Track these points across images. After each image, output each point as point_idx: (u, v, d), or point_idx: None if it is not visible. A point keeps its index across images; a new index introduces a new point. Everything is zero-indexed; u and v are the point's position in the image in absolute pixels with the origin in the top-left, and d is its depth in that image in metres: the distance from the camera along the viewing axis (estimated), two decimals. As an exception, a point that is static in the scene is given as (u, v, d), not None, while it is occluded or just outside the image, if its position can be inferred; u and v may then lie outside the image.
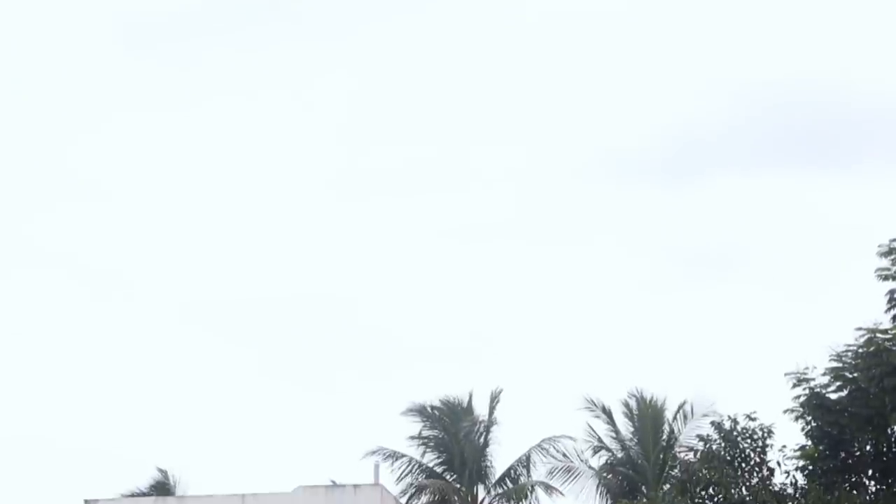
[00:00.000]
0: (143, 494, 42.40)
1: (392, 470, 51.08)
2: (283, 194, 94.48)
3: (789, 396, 26.94)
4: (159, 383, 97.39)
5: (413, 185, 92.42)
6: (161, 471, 46.62)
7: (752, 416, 28.58)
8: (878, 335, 25.57)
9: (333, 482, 38.60)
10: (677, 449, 41.41)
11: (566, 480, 51.01)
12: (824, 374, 26.05)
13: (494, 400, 52.26)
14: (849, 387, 25.89)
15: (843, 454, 26.95)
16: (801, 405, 26.29)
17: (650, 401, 49.79)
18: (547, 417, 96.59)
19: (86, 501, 34.80)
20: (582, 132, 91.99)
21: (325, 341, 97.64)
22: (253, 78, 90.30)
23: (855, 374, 25.77)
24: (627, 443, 50.00)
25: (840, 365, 25.83)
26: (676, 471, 30.41)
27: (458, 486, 51.85)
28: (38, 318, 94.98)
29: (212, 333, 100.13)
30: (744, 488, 27.83)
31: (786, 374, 26.28)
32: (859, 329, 25.72)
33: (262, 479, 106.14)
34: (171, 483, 45.70)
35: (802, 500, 26.84)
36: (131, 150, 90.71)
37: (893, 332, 25.73)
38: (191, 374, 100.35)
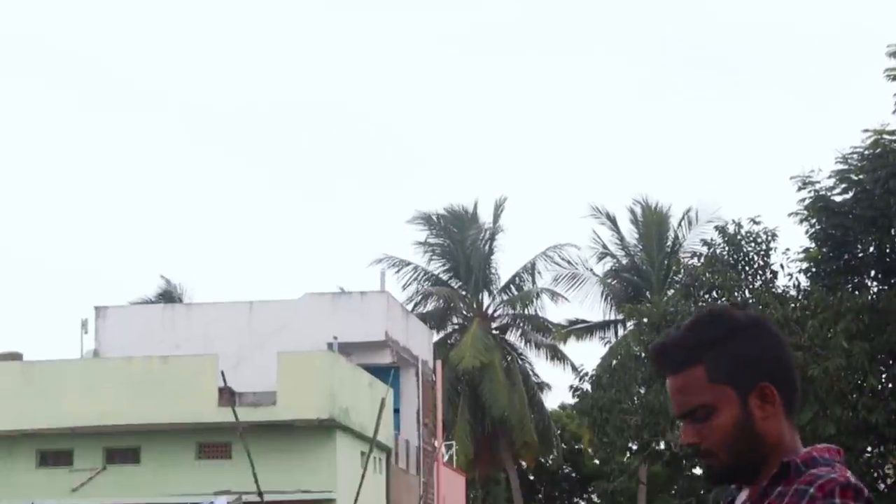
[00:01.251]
0: (151, 302, 42.76)
1: (398, 277, 51.52)
2: (286, 1, 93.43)
3: (794, 200, 26.90)
4: (164, 194, 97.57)
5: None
6: (166, 280, 47.01)
7: (757, 219, 28.62)
8: (885, 136, 25.42)
9: (340, 289, 38.85)
10: (681, 254, 41.62)
11: (571, 287, 51.52)
12: (830, 177, 25.97)
13: (499, 208, 52.44)
14: (854, 189, 25.84)
15: (846, 256, 27.04)
16: (806, 208, 26.25)
17: (655, 207, 49.94)
18: (552, 225, 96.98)
19: (96, 309, 35.11)
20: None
21: (330, 151, 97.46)
22: None
23: (860, 176, 25.69)
24: (632, 249, 50.30)
25: (846, 167, 25.73)
26: (680, 275, 30.55)
27: (464, 293, 52.30)
28: (47, 132, 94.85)
29: (216, 143, 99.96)
30: (747, 291, 28.01)
31: (791, 178, 26.19)
32: (866, 131, 25.58)
33: (269, 286, 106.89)
34: (177, 292, 46.08)
35: (805, 302, 27.01)
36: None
37: (900, 133, 25.61)
38: (195, 185, 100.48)
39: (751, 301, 27.50)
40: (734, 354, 3.15)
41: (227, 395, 28.52)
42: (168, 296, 45.17)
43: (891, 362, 26.46)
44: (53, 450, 29.85)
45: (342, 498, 29.19)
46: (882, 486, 27.49)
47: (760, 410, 3.13)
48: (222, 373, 28.18)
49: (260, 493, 26.90)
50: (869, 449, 27.20)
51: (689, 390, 3.15)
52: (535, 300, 52.09)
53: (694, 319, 3.23)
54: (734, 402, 3.12)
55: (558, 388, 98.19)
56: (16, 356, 30.87)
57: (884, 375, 26.54)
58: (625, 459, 33.70)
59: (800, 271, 27.95)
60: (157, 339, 33.86)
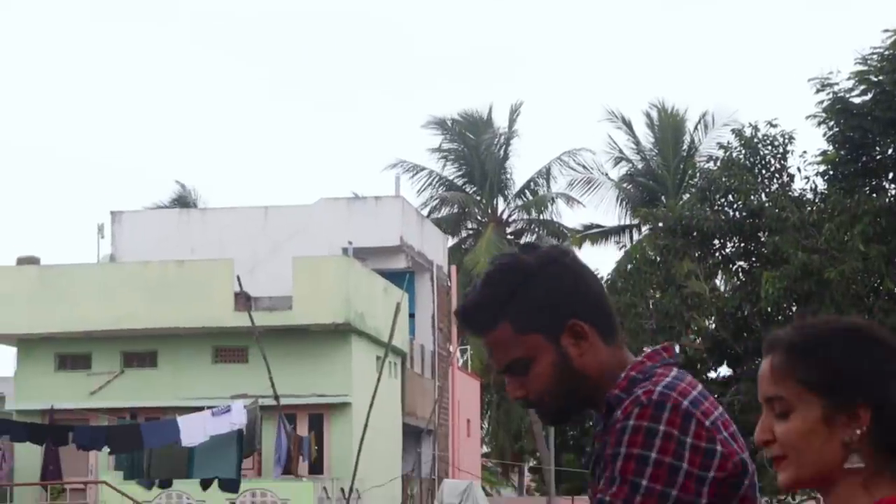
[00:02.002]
0: (166, 208, 42.78)
1: (413, 182, 51.45)
2: None
3: (812, 102, 26.81)
4: (180, 99, 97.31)
5: None
6: (181, 185, 46.98)
7: (774, 122, 28.46)
8: (905, 37, 25.21)
9: (355, 194, 38.82)
10: (697, 158, 41.48)
11: (586, 192, 51.40)
12: (849, 79, 25.78)
13: (514, 112, 52.21)
14: (873, 90, 25.65)
15: (864, 158, 26.91)
16: (824, 110, 26.08)
17: (671, 111, 49.67)
18: (567, 130, 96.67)
19: (112, 214, 35.14)
20: None
21: (346, 57, 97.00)
22: None
23: (880, 77, 25.49)
24: (647, 153, 50.10)
25: (865, 68, 25.53)
26: (696, 179, 30.44)
27: (478, 198, 52.22)
28: (54, 36, 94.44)
29: (231, 50, 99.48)
30: (763, 195, 27.92)
31: (809, 80, 25.99)
32: (886, 31, 25.34)
33: (283, 192, 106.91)
34: (192, 197, 46.07)
35: (822, 205, 26.92)
36: None
37: (921, 34, 25.39)
38: (210, 91, 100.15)
39: (767, 205, 27.42)
40: (534, 301, 3.07)
41: (243, 300, 28.60)
42: (183, 201, 45.18)
43: (907, 265, 26.43)
44: (72, 354, 30.02)
45: (357, 401, 29.36)
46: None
47: (575, 348, 3.07)
48: (238, 277, 28.25)
49: (276, 397, 27.06)
50: (884, 351, 27.21)
51: (501, 346, 3.09)
52: (549, 205, 52.03)
53: (485, 277, 3.15)
54: (547, 347, 3.07)
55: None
56: (33, 260, 30.94)
57: (900, 278, 26.52)
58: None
59: (817, 174, 27.84)
60: (172, 243, 33.91)
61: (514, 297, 3.08)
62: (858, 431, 2.39)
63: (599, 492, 2.93)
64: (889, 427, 2.39)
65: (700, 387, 2.94)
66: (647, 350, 3.12)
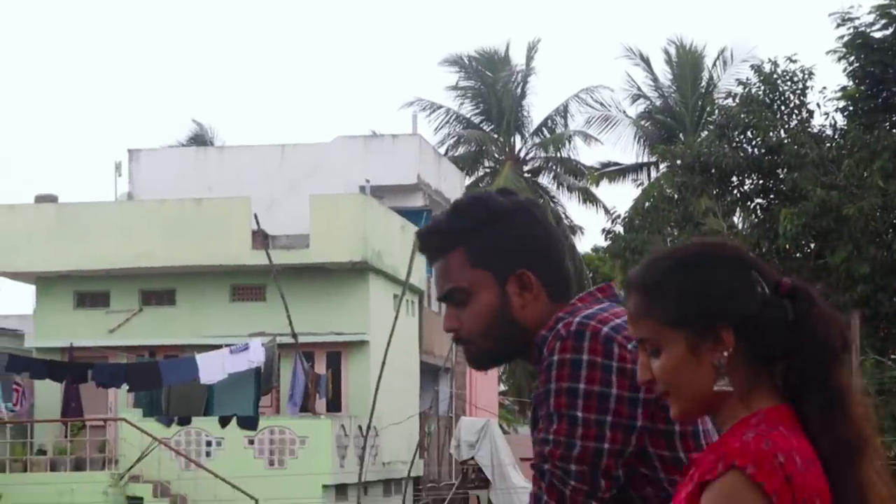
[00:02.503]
0: (183, 146, 42.75)
1: (430, 120, 51.31)
2: None
3: (832, 37, 26.60)
4: (195, 37, 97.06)
5: None
6: (197, 123, 46.91)
7: (793, 58, 28.29)
8: (928, -30, 25.02)
9: (372, 132, 38.75)
10: (716, 94, 41.27)
11: (603, 129, 51.23)
12: (870, 13, 25.61)
13: (532, 50, 51.95)
14: (894, 25, 25.50)
15: (884, 93, 26.77)
16: (844, 45, 25.92)
17: (690, 47, 49.37)
18: (585, 67, 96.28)
19: (129, 152, 35.15)
20: None
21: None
22: None
23: (901, 10, 25.36)
24: (666, 90, 49.87)
25: (887, 2, 25.36)
26: (714, 116, 30.31)
27: (496, 136, 52.10)
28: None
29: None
30: (782, 131, 27.80)
31: (830, 15, 25.83)
32: (908, -35, 25.17)
33: (300, 130, 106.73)
34: (208, 136, 46.03)
35: (841, 142, 26.81)
36: None
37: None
38: (227, 29, 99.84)
39: (786, 141, 27.30)
40: (494, 240, 3.09)
41: (261, 238, 28.63)
42: (199, 139, 45.14)
43: (927, 201, 26.32)
44: (90, 291, 30.11)
45: (375, 340, 29.44)
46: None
47: (519, 297, 3.08)
48: (255, 215, 28.28)
49: (294, 335, 27.15)
50: (903, 288, 27.20)
51: (449, 274, 3.10)
52: (567, 143, 51.86)
53: (455, 204, 3.18)
54: (492, 287, 3.07)
55: (590, 231, 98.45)
56: (51, 199, 30.98)
57: (919, 214, 26.43)
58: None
59: (836, 110, 27.71)
60: (189, 182, 33.91)
61: (477, 230, 3.10)
62: (725, 354, 2.44)
63: (541, 431, 2.94)
64: (754, 341, 2.43)
65: (625, 315, 2.89)
66: (584, 294, 3.11)
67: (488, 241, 3.09)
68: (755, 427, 2.39)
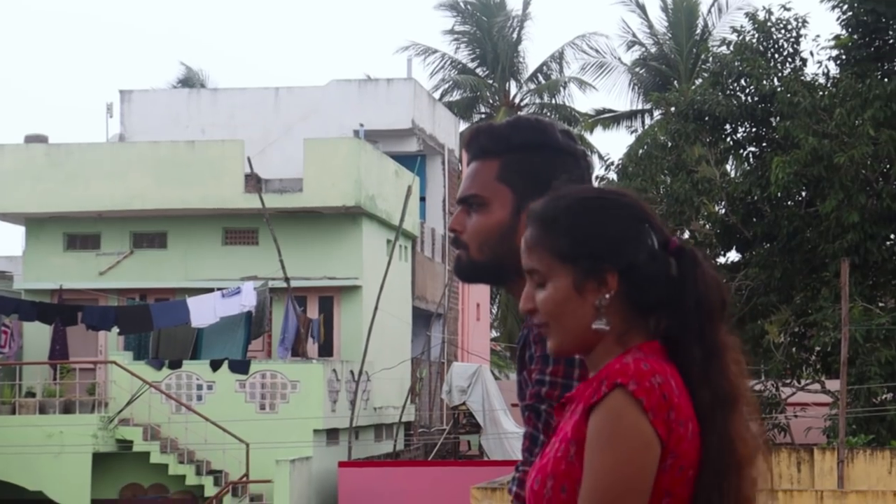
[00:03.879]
0: (174, 88, 42.57)
1: (425, 65, 51.19)
2: None
3: (827, -15, 26.50)
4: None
5: None
6: (186, 66, 46.68)
7: (787, 6, 28.24)
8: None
9: (367, 76, 38.61)
10: (710, 42, 41.17)
11: (598, 76, 51.12)
12: (863, -38, 25.54)
13: (528, -5, 51.71)
14: (887, -26, 25.43)
15: (877, 42, 26.73)
16: (838, -7, 25.88)
17: (685, -6, 49.17)
18: (580, 14, 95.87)
19: (121, 93, 34.99)
20: None
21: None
22: None
23: (895, -39, 25.26)
24: (661, 37, 49.73)
25: (880, -49, 25.28)
26: (709, 64, 30.26)
27: (491, 81, 51.98)
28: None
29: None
30: (775, 79, 27.79)
31: (823, -37, 25.75)
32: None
33: (293, 74, 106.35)
34: (199, 79, 45.81)
35: (833, 90, 26.79)
36: None
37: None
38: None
39: (779, 89, 27.28)
40: (530, 163, 3.11)
41: (254, 182, 28.59)
42: (189, 83, 44.94)
43: (918, 150, 26.32)
44: (81, 233, 30.07)
45: (368, 284, 29.46)
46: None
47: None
48: (248, 159, 28.21)
49: (286, 279, 27.18)
50: (892, 236, 27.26)
51: (477, 178, 3.13)
52: (562, 89, 51.77)
53: (518, 117, 3.20)
54: (507, 206, 3.10)
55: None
56: (41, 139, 30.84)
57: (910, 163, 26.44)
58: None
59: (829, 59, 27.69)
60: (182, 124, 33.82)
61: (521, 150, 3.12)
62: (607, 296, 2.53)
63: (535, 372, 2.96)
64: (636, 289, 2.53)
65: None
66: None
67: (525, 164, 3.11)
68: (631, 354, 2.50)
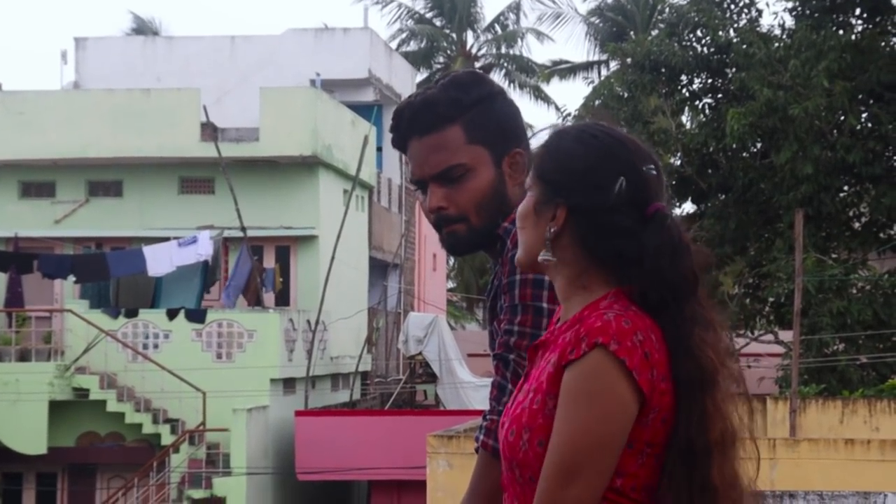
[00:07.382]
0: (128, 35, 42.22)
1: (382, 15, 51.08)
2: None
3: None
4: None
5: None
6: (136, 15, 46.07)
7: (745, -44, 28.29)
8: None
9: (324, 25, 38.47)
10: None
11: (555, 26, 51.18)
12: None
13: (485, -56, 51.60)
14: (844, -75, 25.54)
15: (832, -6, 26.83)
16: (795, -55, 25.95)
17: (642, -59, 49.16)
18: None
19: (76, 40, 34.74)
20: None
21: None
22: None
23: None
24: (617, -12, 49.72)
25: None
26: (665, 14, 30.31)
27: (448, 31, 51.88)
28: None
29: None
30: (731, 30, 27.86)
31: (780, -87, 25.80)
32: None
33: (250, 23, 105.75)
34: (152, 27, 45.35)
35: (789, 41, 26.90)
36: None
37: None
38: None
39: (735, 40, 27.37)
40: (493, 116, 3.06)
41: (210, 131, 28.50)
42: (141, 32, 44.52)
43: (871, 101, 26.52)
44: (36, 181, 29.91)
45: (324, 234, 29.48)
46: (857, 224, 27.83)
47: (511, 178, 3.07)
48: (204, 107, 28.10)
49: (243, 229, 27.16)
50: (845, 188, 27.47)
51: (445, 150, 3.05)
52: (519, 40, 51.74)
53: (453, 77, 3.12)
54: (489, 164, 3.05)
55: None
56: (-5, 86, 30.61)
57: (864, 115, 26.64)
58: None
59: (785, 10, 27.78)
60: (137, 72, 33.61)
61: (477, 105, 3.06)
62: (552, 229, 2.51)
63: (504, 321, 2.95)
64: (581, 231, 2.50)
65: None
66: None
67: (487, 117, 3.06)
68: (609, 308, 2.46)
